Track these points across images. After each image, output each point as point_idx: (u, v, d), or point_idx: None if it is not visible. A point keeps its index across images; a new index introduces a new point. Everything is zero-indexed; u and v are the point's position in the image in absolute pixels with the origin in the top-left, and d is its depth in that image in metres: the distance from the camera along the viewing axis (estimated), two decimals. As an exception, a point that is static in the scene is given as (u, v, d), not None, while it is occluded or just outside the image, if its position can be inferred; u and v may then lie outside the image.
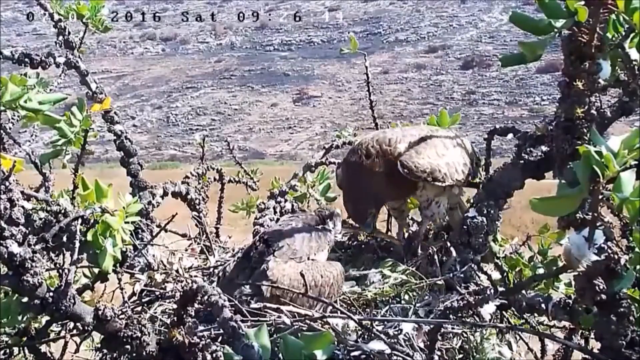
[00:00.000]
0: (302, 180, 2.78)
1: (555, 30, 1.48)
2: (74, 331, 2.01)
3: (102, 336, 1.52)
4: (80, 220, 1.66)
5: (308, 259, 1.98)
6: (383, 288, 2.00)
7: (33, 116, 1.89)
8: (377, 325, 1.70)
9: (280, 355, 1.36)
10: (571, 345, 1.93)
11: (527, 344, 2.10)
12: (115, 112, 2.39)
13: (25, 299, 1.53)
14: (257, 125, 49.75)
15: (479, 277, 2.09)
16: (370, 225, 2.20)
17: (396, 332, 1.71)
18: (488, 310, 1.80)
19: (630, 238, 1.45)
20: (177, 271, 2.12)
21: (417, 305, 1.90)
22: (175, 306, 1.50)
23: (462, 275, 1.95)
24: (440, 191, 2.19)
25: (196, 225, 2.57)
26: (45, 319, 1.86)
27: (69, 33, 2.47)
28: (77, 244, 1.60)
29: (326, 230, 2.11)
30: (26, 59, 2.16)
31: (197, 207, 2.59)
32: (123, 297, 1.91)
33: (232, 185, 3.16)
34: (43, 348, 1.99)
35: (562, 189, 1.34)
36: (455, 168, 2.14)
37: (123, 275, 1.95)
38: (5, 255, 1.40)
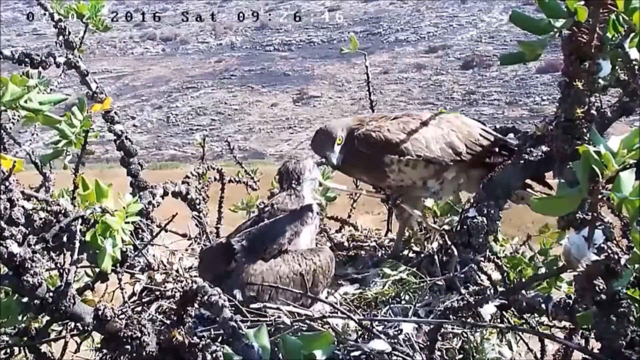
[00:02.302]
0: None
1: (555, 30, 1.48)
2: (74, 331, 2.01)
3: (102, 336, 1.52)
4: (80, 220, 1.66)
5: (282, 252, 1.92)
6: (383, 288, 2.00)
7: (33, 116, 1.89)
8: (377, 325, 1.70)
9: (280, 355, 1.36)
10: (571, 345, 1.93)
11: (527, 344, 2.10)
12: (115, 112, 2.39)
13: (25, 299, 1.54)
14: (257, 125, 49.73)
15: (479, 277, 2.09)
16: (335, 159, 2.06)
17: (396, 332, 1.71)
18: (488, 310, 1.80)
19: (630, 238, 1.45)
20: (177, 271, 2.12)
21: (417, 305, 1.90)
22: (175, 306, 1.50)
23: (462, 275, 1.95)
24: (423, 171, 2.11)
25: (196, 225, 2.57)
26: (45, 319, 1.86)
27: (69, 33, 2.47)
28: (77, 244, 1.60)
29: (305, 211, 2.00)
30: (26, 59, 2.16)
31: (197, 207, 2.59)
32: (123, 297, 1.91)
33: (232, 185, 3.15)
34: (43, 348, 1.99)
35: (562, 189, 1.34)
36: (427, 144, 2.05)
37: (123, 275, 1.95)
38: (5, 255, 1.40)
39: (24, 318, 1.77)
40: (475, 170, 2.18)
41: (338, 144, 2.07)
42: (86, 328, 1.59)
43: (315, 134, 2.14)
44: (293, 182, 2.04)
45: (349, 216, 2.73)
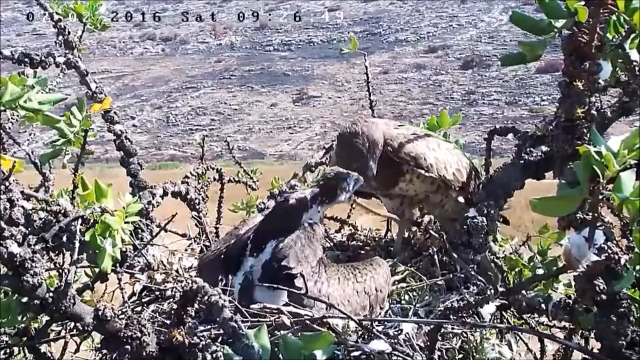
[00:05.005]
0: (302, 180, 2.77)
1: (555, 30, 1.48)
2: (74, 331, 2.01)
3: (102, 336, 1.52)
4: (80, 220, 1.66)
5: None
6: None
7: (33, 116, 1.89)
8: (377, 325, 1.70)
9: (280, 355, 1.35)
10: (571, 345, 1.93)
11: (526, 344, 2.10)
12: (115, 112, 2.39)
13: (25, 299, 1.53)
14: (257, 125, 49.75)
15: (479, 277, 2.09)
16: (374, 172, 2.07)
17: (396, 333, 1.71)
18: (488, 310, 1.80)
19: (630, 238, 1.45)
20: (177, 271, 2.12)
21: (417, 305, 1.90)
22: (175, 306, 1.50)
23: (462, 275, 1.94)
24: (429, 186, 2.20)
25: (196, 225, 2.57)
26: (45, 319, 1.86)
27: (69, 33, 2.46)
28: (77, 244, 1.60)
29: (312, 230, 1.88)
30: (26, 59, 2.16)
31: (197, 207, 2.59)
32: (123, 297, 1.91)
33: (232, 185, 3.15)
34: (43, 348, 1.99)
35: (562, 189, 1.34)
36: (445, 165, 2.17)
37: (123, 275, 1.95)
38: (5, 255, 1.40)
39: (24, 318, 1.77)
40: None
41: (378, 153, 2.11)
42: (86, 328, 1.59)
43: (358, 137, 2.08)
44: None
45: (349, 216, 2.73)
